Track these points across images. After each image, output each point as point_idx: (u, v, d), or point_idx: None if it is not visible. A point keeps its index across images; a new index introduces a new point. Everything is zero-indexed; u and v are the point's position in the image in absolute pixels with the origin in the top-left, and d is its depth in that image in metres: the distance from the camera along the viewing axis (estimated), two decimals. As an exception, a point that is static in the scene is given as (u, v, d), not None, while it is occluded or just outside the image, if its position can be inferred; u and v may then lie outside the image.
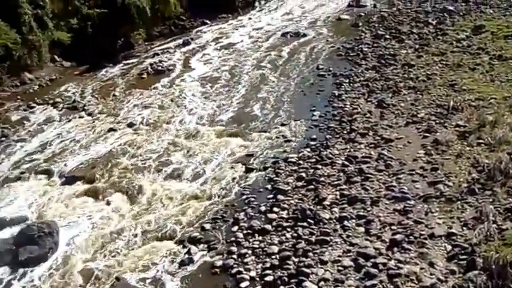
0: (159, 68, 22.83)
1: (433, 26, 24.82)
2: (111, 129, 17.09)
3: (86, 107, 18.97)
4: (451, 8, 27.13)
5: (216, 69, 22.73)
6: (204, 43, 26.43)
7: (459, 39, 22.30)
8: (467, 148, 13.32)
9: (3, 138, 16.66)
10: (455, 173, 12.30)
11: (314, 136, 15.70)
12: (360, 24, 27.24)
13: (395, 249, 9.99)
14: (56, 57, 23.45)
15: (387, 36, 24.39)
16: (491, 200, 10.93)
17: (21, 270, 10.65)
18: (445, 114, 15.63)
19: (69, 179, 14.25)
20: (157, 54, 24.79)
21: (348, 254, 10.04)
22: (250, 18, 30.97)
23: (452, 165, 12.72)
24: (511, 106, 15.18)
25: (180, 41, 26.51)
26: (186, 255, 10.75)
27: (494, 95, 16.21)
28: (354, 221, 11.14)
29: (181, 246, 11.14)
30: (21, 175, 14.44)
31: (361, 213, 11.33)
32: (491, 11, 25.75)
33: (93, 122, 17.88)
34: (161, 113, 18.37)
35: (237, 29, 28.74)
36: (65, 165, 14.95)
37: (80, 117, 18.29)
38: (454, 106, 15.87)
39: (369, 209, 11.52)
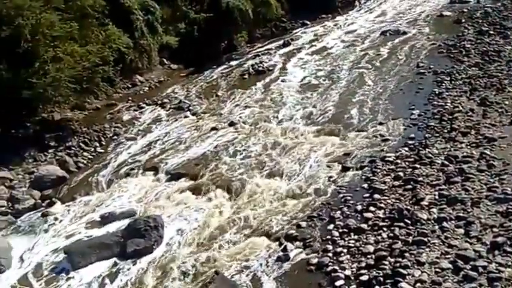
0: (260, 68, 23.59)
1: (542, 20, 23.36)
2: (213, 128, 18.00)
3: (190, 107, 20.07)
4: None
5: (315, 69, 23.11)
6: (303, 44, 26.92)
7: None
8: None
9: (115, 137, 18.08)
10: None
11: (412, 135, 15.55)
12: (463, 20, 26.27)
13: (497, 252, 9.78)
14: (164, 60, 24.98)
15: (491, 32, 23.39)
16: None
17: (128, 261, 11.53)
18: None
19: (174, 176, 15.21)
20: (259, 56, 25.62)
21: (447, 256, 9.95)
22: (350, 18, 30.95)
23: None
24: None
25: (281, 42, 27.19)
26: (282, 252, 11.15)
27: None
28: (453, 222, 10.99)
29: (277, 243, 11.56)
30: (130, 171, 15.65)
31: (461, 215, 11.13)
32: None
33: (197, 121, 18.93)
34: (261, 112, 19.04)
35: (336, 29, 28.97)
36: (171, 162, 15.93)
37: (185, 116, 19.41)
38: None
39: (469, 210, 11.29)
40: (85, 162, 16.35)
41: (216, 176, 14.84)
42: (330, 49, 25.50)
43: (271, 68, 23.69)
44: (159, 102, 20.90)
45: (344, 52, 24.70)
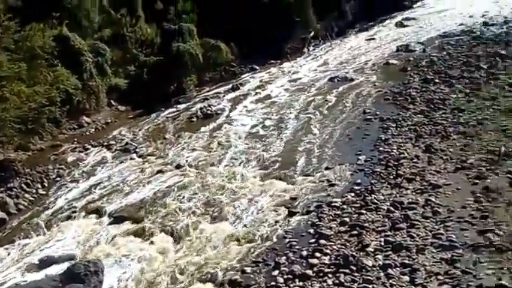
0: (208, 112, 23.44)
1: (484, 70, 24.38)
2: (159, 171, 17.61)
3: (137, 149, 19.64)
4: (503, 52, 26.66)
5: (263, 114, 23.14)
6: (252, 88, 26.99)
7: (511, 83, 21.77)
8: (520, 196, 12.86)
9: (59, 179, 17.46)
10: (506, 221, 11.90)
11: (359, 180, 15.58)
12: (409, 68, 27.09)
13: (442, 300, 9.67)
14: (112, 101, 24.57)
15: (436, 81, 24.14)
16: (543, 250, 10.47)
17: (66, 307, 10.82)
18: (496, 161, 15.19)
19: (117, 219, 14.73)
20: (207, 99, 25.52)
21: (392, 304, 9.72)
22: (299, 64, 31.41)
23: (503, 213, 12.33)
24: None
25: (230, 86, 27.21)
26: (226, 300, 10.71)
27: (551, 141, 15.67)
28: (398, 269, 10.92)
29: (221, 289, 11.09)
30: (72, 214, 15.09)
31: (406, 262, 11.09)
32: (548, 54, 25.16)
33: (143, 163, 18.47)
34: (208, 155, 18.78)
35: (285, 74, 29.23)
36: (114, 205, 15.45)
37: (131, 159, 18.94)
38: (506, 152, 15.42)
39: (414, 257, 11.26)
40: (26, 204, 15.82)
41: (160, 220, 14.45)
42: (278, 94, 25.71)
43: (219, 112, 23.60)
44: (105, 143, 20.39)
45: (292, 98, 24.90)
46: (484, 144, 16.57)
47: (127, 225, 14.38)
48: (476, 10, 39.63)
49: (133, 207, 15.25)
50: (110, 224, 14.57)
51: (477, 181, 14.25)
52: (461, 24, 35.97)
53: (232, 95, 26.18)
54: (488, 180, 14.08)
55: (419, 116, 20.38)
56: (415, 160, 16.39)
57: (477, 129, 17.94)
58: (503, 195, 13.10)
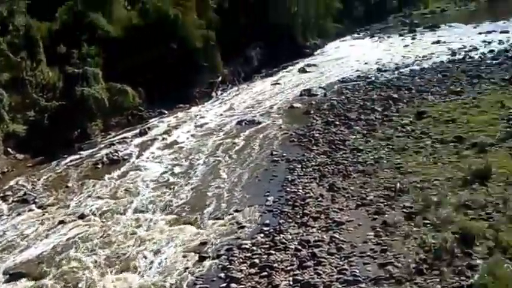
0: (115, 158, 22.91)
1: (379, 113, 26.06)
2: (61, 222, 16.78)
3: (36, 200, 18.66)
4: (395, 95, 28.72)
5: (171, 159, 22.99)
6: (160, 133, 26.87)
7: (403, 124, 23.44)
8: (415, 229, 13.64)
9: None
10: (403, 253, 12.51)
11: (268, 221, 15.83)
12: (311, 111, 28.35)
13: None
14: (9, 149, 23.25)
15: (337, 123, 25.42)
16: (438, 279, 11.12)
17: None
18: (393, 196, 16.11)
19: (14, 276, 13.80)
20: (113, 144, 24.96)
21: None
22: (207, 108, 31.84)
23: (401, 246, 12.96)
24: (454, 187, 15.89)
25: (137, 131, 26.90)
26: None
27: (438, 177, 16.89)
28: (307, 307, 11.08)
29: None
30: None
31: (315, 300, 11.28)
32: (433, 98, 27.38)
33: (43, 214, 17.56)
34: (114, 203, 18.21)
35: (194, 118, 29.45)
36: (10, 261, 14.46)
37: (30, 210, 17.94)
38: (400, 188, 16.39)
39: (321, 294, 11.50)
40: None
41: (62, 275, 13.65)
42: (186, 139, 25.79)
43: (126, 158, 23.17)
44: (1, 195, 19.15)
45: (201, 142, 25.06)
46: (381, 182, 17.52)
47: (25, 283, 13.53)
48: (370, 58, 42.64)
49: (32, 263, 14.38)
50: (6, 281, 13.61)
51: (376, 216, 14.98)
52: (357, 71, 38.43)
53: (139, 140, 25.84)
54: (386, 215, 14.84)
55: (322, 156, 21.25)
56: (320, 199, 16.95)
57: (374, 167, 18.97)
58: (400, 229, 13.86)
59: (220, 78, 36.30)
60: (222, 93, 35.24)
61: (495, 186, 15.40)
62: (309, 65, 42.13)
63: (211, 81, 35.52)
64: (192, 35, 32.99)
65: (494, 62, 34.73)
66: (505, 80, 28.50)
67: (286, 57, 43.64)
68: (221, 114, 30.07)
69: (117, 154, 23.32)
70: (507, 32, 47.46)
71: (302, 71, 40.66)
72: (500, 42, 42.52)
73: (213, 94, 34.89)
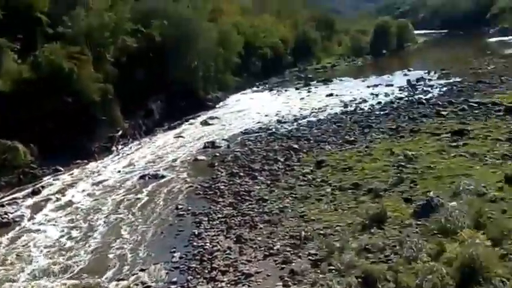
0: (4, 220, 21.21)
1: (281, 163, 26.87)
2: None
3: None
4: (295, 146, 29.85)
5: (68, 220, 21.72)
6: (55, 191, 25.41)
7: (305, 173, 24.33)
8: (321, 276, 13.96)
9: None
10: (311, 302, 12.73)
11: (175, 279, 15.45)
12: (216, 163, 28.52)
13: None
14: None
15: (241, 174, 25.77)
16: (346, 324, 11.42)
17: None
18: (299, 245, 16.47)
19: None
20: (3, 206, 23.10)
21: None
22: (107, 163, 30.82)
23: (309, 294, 13.19)
24: (354, 232, 16.62)
25: (29, 191, 25.22)
26: None
27: (339, 223, 17.62)
28: None
29: None
30: None
31: None
32: (330, 147, 28.83)
33: None
34: (5, 270, 16.74)
35: (92, 175, 28.33)
36: None
37: None
38: (305, 236, 16.83)
39: None
40: None
41: None
42: (84, 197, 24.64)
43: (17, 220, 21.60)
44: None
45: (100, 200, 24.07)
46: (287, 230, 17.87)
47: None
48: (270, 110, 44.20)
49: None
50: None
51: (284, 266, 15.16)
52: (258, 122, 39.58)
53: (32, 200, 24.21)
54: (294, 264, 15.10)
55: (228, 208, 21.30)
56: (228, 251, 16.87)
57: (280, 216, 19.35)
58: (307, 276, 14.13)
59: (120, 132, 35.46)
60: (122, 148, 34.37)
61: (391, 229, 16.33)
62: (211, 118, 42.68)
63: (111, 135, 34.57)
64: (88, 88, 32.15)
65: (382, 113, 37.53)
66: (392, 129, 30.81)
67: (188, 110, 43.90)
68: (122, 170, 29.23)
69: (7, 216, 21.59)
70: (392, 85, 51.95)
71: (205, 123, 41.06)
72: (386, 94, 46.34)
73: (113, 149, 33.88)
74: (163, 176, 27.09)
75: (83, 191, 25.66)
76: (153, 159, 31.34)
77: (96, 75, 33.55)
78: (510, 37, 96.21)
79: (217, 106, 48.76)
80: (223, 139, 34.74)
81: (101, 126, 33.40)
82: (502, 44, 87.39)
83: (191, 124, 41.47)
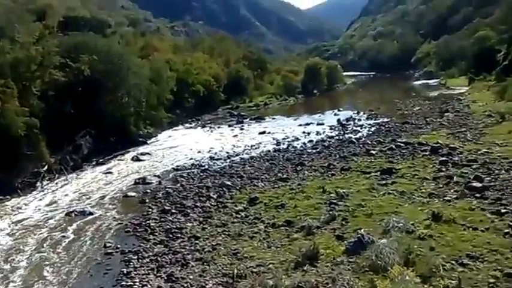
0: None
1: (214, 200, 26.63)
2: None
3: None
4: (228, 183, 29.76)
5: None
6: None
7: (238, 210, 24.24)
8: (254, 314, 13.81)
9: None
10: None
11: (102, 321, 14.64)
12: (147, 200, 27.81)
13: None
14: None
15: (173, 211, 25.23)
16: None
17: None
18: (231, 283, 16.22)
19: None
20: None
21: None
22: (29, 199, 29.25)
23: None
24: (287, 269, 16.61)
25: None
26: None
27: (272, 260, 17.58)
28: None
29: None
30: None
31: None
32: (263, 184, 28.96)
33: None
34: None
35: (15, 211, 26.75)
36: None
37: None
38: (238, 274, 16.63)
39: None
40: None
41: None
42: (5, 235, 23.17)
43: None
44: None
45: (23, 239, 22.69)
46: (219, 269, 17.57)
47: None
48: (203, 146, 44.06)
49: None
50: None
51: (217, 305, 14.89)
52: (191, 159, 39.23)
53: None
54: (227, 303, 14.85)
55: (159, 246, 20.69)
56: (158, 291, 16.34)
57: (212, 254, 19.01)
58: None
59: (46, 167, 33.99)
60: (48, 184, 32.84)
61: (324, 267, 16.50)
62: (142, 154, 41.83)
63: (36, 170, 33.06)
64: (12, 122, 30.78)
65: (314, 151, 38.38)
66: (324, 167, 31.50)
67: (119, 145, 43.00)
68: (47, 206, 27.82)
69: None
70: (323, 124, 53.63)
71: (135, 159, 40.17)
72: (318, 133, 47.66)
73: (38, 184, 32.33)
74: (91, 213, 26.02)
75: (3, 229, 24.07)
76: (80, 195, 30.10)
77: (21, 109, 32.19)
78: (434, 80, 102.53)
79: (148, 142, 48.03)
80: (154, 175, 34.09)
81: (26, 161, 31.88)
82: (426, 87, 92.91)
83: (121, 160, 40.42)
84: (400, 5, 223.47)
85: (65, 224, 24.53)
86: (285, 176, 30.43)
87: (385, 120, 52.49)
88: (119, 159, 40.51)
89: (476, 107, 52.11)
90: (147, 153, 42.20)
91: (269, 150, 40.42)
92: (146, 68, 52.66)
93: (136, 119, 48.45)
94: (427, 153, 31.86)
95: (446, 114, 50.40)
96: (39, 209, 27.29)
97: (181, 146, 45.82)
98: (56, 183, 33.06)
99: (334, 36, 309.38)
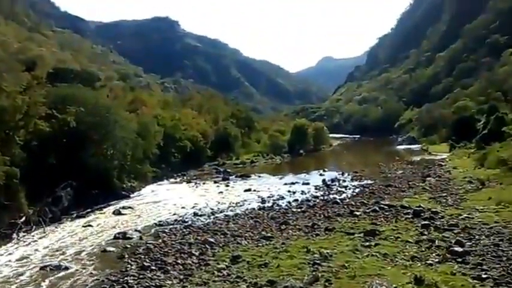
0: None
1: (196, 257, 25.87)
2: None
3: None
4: (211, 239, 29.04)
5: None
6: None
7: (220, 268, 23.48)
8: None
9: None
10: None
11: None
12: (126, 256, 26.90)
13: None
14: None
15: (153, 268, 24.36)
16: None
17: None
18: None
19: None
20: None
21: None
22: (4, 251, 28.21)
23: None
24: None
25: None
26: None
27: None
28: None
29: None
30: None
31: None
32: (246, 243, 28.33)
33: None
34: None
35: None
36: None
37: None
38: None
39: None
40: None
41: None
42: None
43: None
44: None
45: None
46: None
47: None
48: (187, 202, 43.50)
49: None
50: None
51: None
52: (174, 214, 38.54)
53: None
54: None
55: (136, 304, 19.87)
56: None
57: (192, 314, 18.29)
58: None
59: (23, 219, 33.09)
60: (24, 235, 31.82)
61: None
62: (124, 208, 41.07)
63: (13, 221, 32.16)
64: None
65: (298, 210, 38.00)
66: (308, 227, 31.07)
67: (101, 198, 42.34)
68: (21, 259, 26.78)
69: None
70: (308, 184, 53.53)
71: (117, 213, 39.33)
72: (303, 192, 47.45)
73: (14, 236, 31.33)
74: (66, 268, 25.06)
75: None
76: (57, 249, 29.09)
77: (1, 157, 31.74)
78: (416, 146, 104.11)
79: (132, 196, 47.37)
80: (135, 230, 33.25)
81: (2, 211, 31.03)
82: (409, 152, 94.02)
83: (102, 213, 39.60)
84: (384, 73, 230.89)
85: (38, 279, 23.53)
86: (269, 234, 29.88)
87: (369, 182, 52.59)
88: (100, 213, 39.69)
89: (457, 173, 52.57)
90: (130, 207, 41.44)
91: (254, 208, 39.95)
92: (134, 122, 52.77)
93: (120, 172, 48.01)
94: (409, 216, 31.73)
95: (428, 178, 50.68)
96: (12, 263, 26.26)
97: (165, 201, 45.17)
98: (33, 236, 32.07)
99: (321, 99, 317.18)
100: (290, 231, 30.50)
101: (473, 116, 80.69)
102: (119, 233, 32.21)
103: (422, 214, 31.57)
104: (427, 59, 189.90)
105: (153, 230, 33.44)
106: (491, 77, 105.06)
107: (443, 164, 64.51)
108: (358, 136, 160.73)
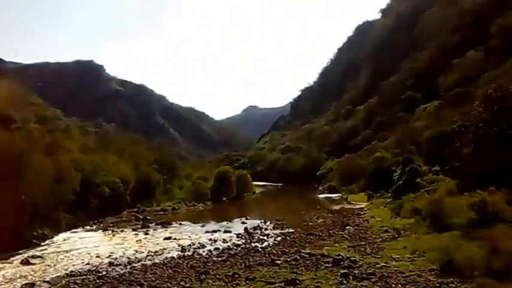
0: None
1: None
2: None
3: None
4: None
5: None
6: None
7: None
8: None
9: None
10: None
11: None
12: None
13: None
14: None
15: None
16: None
17: None
18: None
19: None
20: None
21: None
22: None
23: None
24: None
25: None
26: None
27: None
28: None
29: None
30: None
31: None
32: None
33: None
34: None
35: None
36: None
37: None
38: None
39: None
40: None
41: None
42: None
43: None
44: None
45: None
46: None
47: None
48: (103, 251, 41.39)
49: None
50: None
51: None
52: (87, 264, 36.38)
53: None
54: None
55: None
56: None
57: None
58: None
59: None
60: None
61: None
62: (34, 257, 38.31)
63: None
64: None
65: (219, 259, 37.22)
66: (229, 276, 30.45)
67: (6, 246, 39.22)
68: None
69: None
70: (230, 232, 52.93)
71: (25, 262, 36.59)
72: (225, 241, 46.71)
73: None
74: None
75: None
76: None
77: None
78: (336, 194, 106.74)
79: (42, 244, 44.45)
80: (44, 281, 31.03)
81: None
82: (329, 200, 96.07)
83: (9, 263, 36.69)
84: (307, 123, 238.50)
85: None
86: (188, 284, 28.93)
87: (291, 230, 52.86)
88: (5, 262, 36.73)
89: (374, 222, 54.20)
90: (39, 257, 38.72)
91: (173, 257, 38.70)
92: (49, 166, 50.24)
93: (30, 219, 45.02)
94: (329, 265, 31.98)
95: (347, 227, 51.80)
96: None
97: (79, 249, 42.70)
98: None
99: (246, 147, 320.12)
100: (210, 281, 29.71)
101: (389, 167, 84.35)
102: (26, 284, 30.01)
103: (341, 263, 31.88)
104: (347, 112, 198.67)
105: (63, 281, 31.28)
106: (406, 130, 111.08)
107: (361, 213, 66.39)
108: (281, 184, 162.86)
